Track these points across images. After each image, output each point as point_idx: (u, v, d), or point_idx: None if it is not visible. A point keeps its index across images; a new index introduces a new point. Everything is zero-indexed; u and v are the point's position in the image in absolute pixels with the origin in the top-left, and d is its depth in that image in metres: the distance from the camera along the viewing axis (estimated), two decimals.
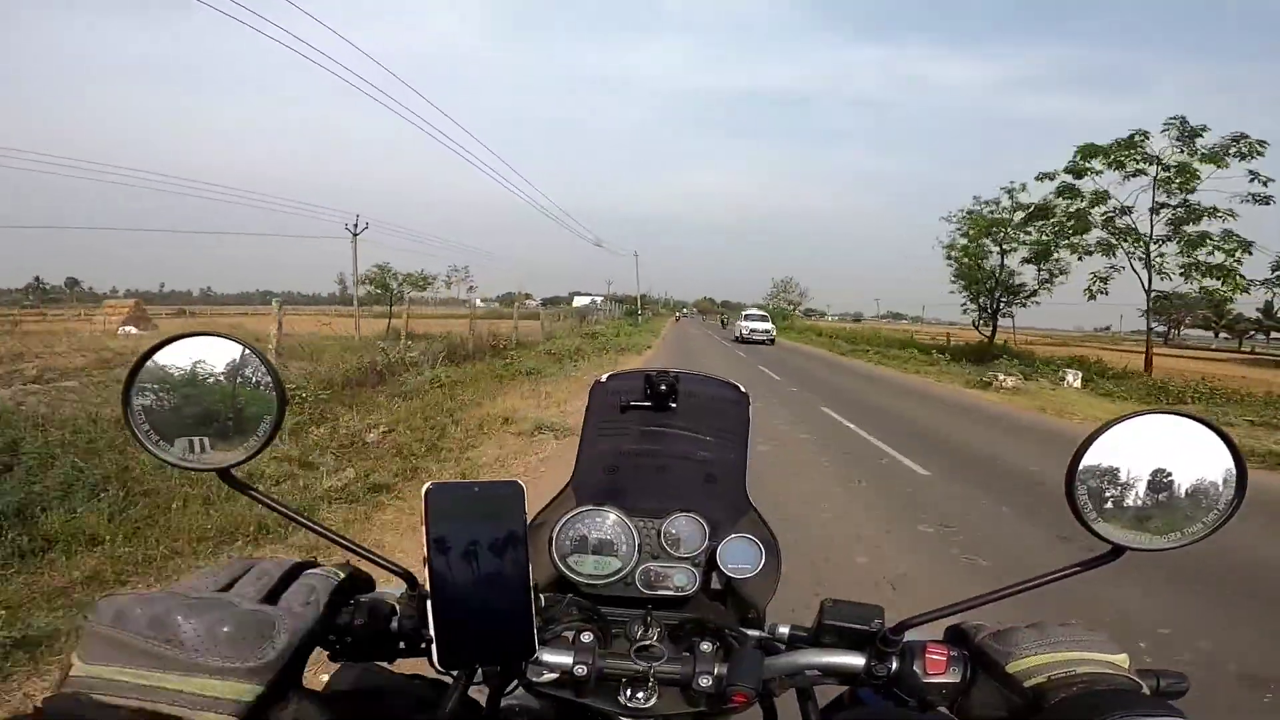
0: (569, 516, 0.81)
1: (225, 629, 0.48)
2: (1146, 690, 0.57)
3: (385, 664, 0.70)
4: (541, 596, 0.74)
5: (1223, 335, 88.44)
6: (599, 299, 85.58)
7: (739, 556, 0.79)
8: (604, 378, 0.94)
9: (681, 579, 0.79)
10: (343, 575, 0.65)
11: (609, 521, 0.80)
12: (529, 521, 0.72)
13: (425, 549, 0.56)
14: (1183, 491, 0.59)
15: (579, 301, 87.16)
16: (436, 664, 0.57)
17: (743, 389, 0.93)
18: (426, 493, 0.56)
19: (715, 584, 0.84)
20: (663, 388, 0.88)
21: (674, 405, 0.89)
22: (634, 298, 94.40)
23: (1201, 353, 53.47)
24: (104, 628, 0.46)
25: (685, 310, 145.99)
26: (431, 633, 0.56)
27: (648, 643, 0.71)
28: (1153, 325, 18.85)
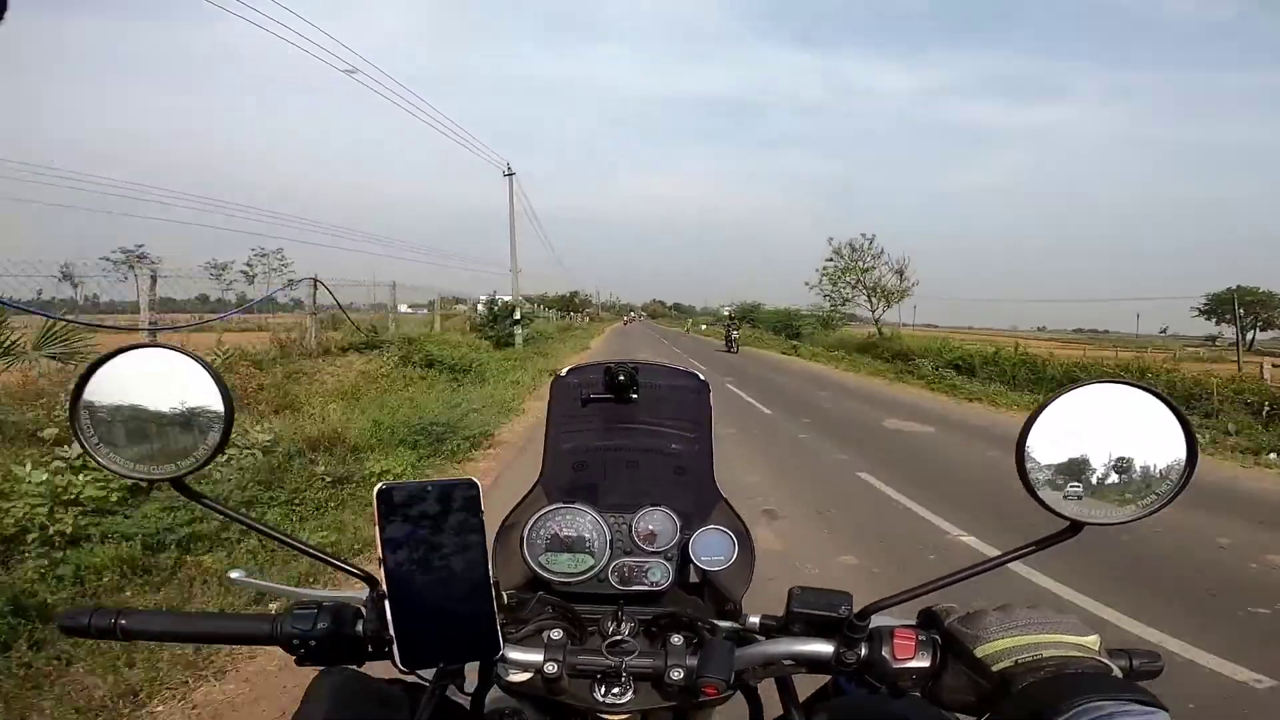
0: (540, 515, 0.81)
1: None
2: (1118, 672, 0.57)
3: (356, 667, 0.70)
4: (505, 595, 0.74)
5: None
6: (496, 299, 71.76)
7: (712, 548, 0.79)
8: (564, 371, 0.93)
9: (655, 574, 0.79)
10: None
11: (580, 519, 0.80)
12: (501, 521, 0.71)
13: (379, 550, 0.55)
14: (1136, 463, 0.58)
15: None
16: (399, 664, 0.57)
17: (702, 377, 0.93)
18: (378, 493, 0.56)
19: (692, 577, 0.83)
20: (622, 379, 0.88)
21: (635, 397, 0.89)
22: (574, 298, 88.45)
23: None
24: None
25: (633, 313, 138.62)
26: (392, 633, 0.56)
27: (619, 638, 0.71)
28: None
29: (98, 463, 0.60)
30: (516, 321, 19.12)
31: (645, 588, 0.79)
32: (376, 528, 0.56)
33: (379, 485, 0.56)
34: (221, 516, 0.66)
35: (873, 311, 26.87)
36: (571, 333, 36.97)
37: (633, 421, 0.90)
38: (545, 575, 0.79)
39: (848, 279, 27.98)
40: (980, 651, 0.59)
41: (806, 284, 29.01)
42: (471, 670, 0.71)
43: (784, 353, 25.63)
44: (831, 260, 28.59)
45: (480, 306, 22.19)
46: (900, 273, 27.04)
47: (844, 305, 28.44)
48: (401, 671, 0.59)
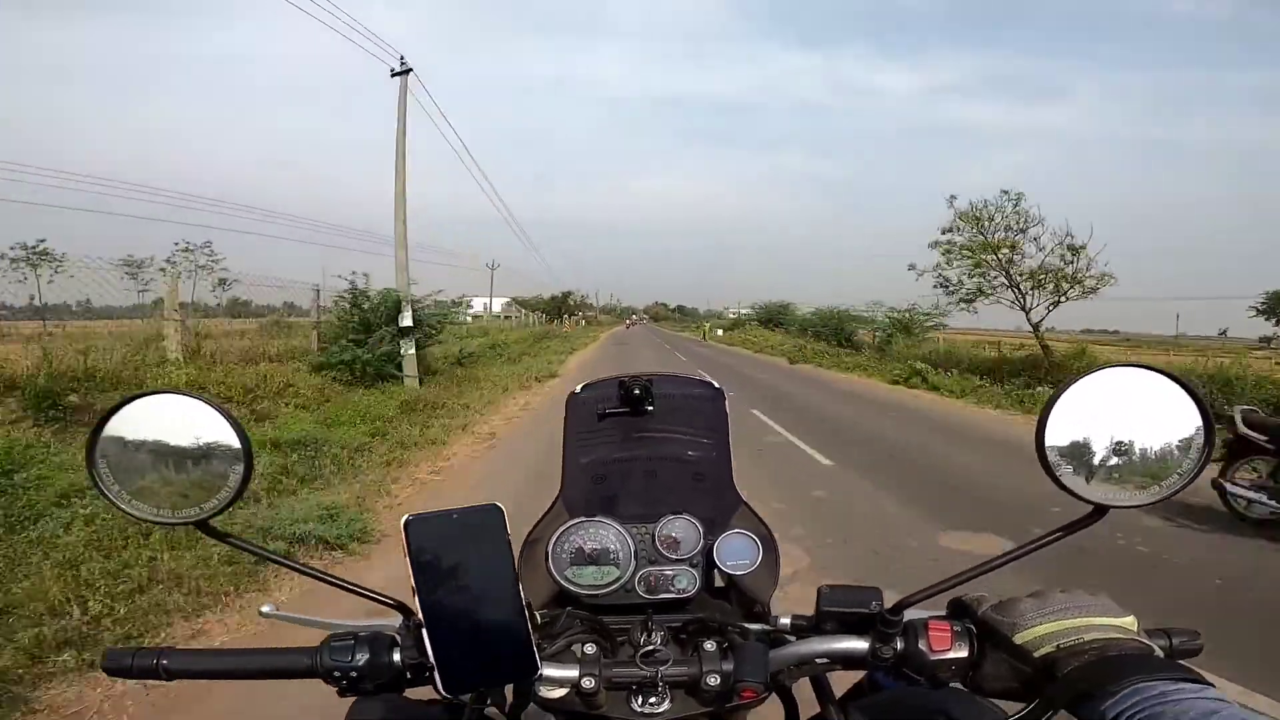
0: (563, 530, 0.81)
1: None
2: (1159, 652, 0.56)
3: (396, 693, 0.70)
4: (538, 614, 0.74)
5: None
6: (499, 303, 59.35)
7: (736, 552, 0.79)
8: (579, 389, 0.93)
9: (682, 581, 0.80)
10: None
11: (603, 531, 0.80)
12: (524, 538, 0.70)
13: (413, 580, 0.57)
14: (1154, 445, 0.58)
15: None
16: (442, 691, 0.58)
17: (716, 385, 0.94)
18: (405, 524, 0.57)
19: (718, 582, 0.84)
20: (637, 392, 0.88)
21: (651, 409, 0.90)
22: (566, 299, 75.72)
23: None
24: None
25: (635, 316, 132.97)
26: (433, 661, 0.57)
27: (652, 648, 0.71)
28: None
29: (122, 511, 0.61)
30: (405, 332, 10.37)
31: (673, 595, 0.80)
32: (407, 558, 0.57)
33: (406, 517, 0.58)
34: (251, 554, 0.66)
35: (1025, 310, 14.53)
36: (546, 345, 24.83)
37: (648, 431, 0.90)
38: (573, 589, 0.79)
39: (986, 258, 14.55)
40: (1019, 638, 0.59)
41: (912, 268, 15.86)
42: (507, 688, 0.71)
43: (893, 382, 14.63)
44: (950, 233, 14.95)
45: (330, 302, 11.34)
46: (1074, 250, 13.77)
47: (974, 300, 15.48)
48: (443, 697, 0.60)
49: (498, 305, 60.85)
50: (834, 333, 27.45)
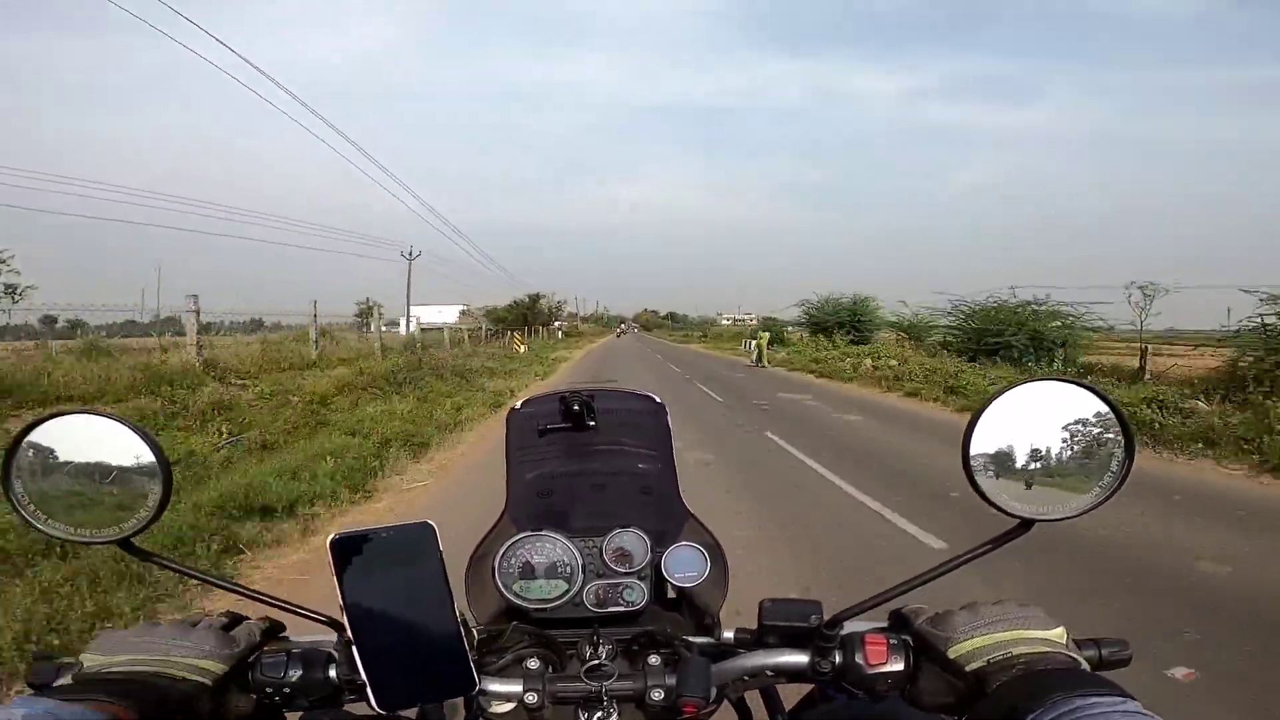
0: (509, 544, 0.80)
1: (205, 632, 0.63)
2: (1086, 665, 0.58)
3: (336, 709, 0.69)
4: (475, 630, 0.73)
5: None
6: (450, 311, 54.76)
7: (684, 565, 0.79)
8: (518, 404, 0.93)
9: (631, 594, 0.80)
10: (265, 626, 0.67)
11: (550, 545, 0.80)
12: (471, 554, 0.69)
13: (340, 598, 0.56)
14: (1076, 457, 0.60)
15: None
16: (375, 707, 0.57)
17: (657, 399, 0.94)
18: (331, 543, 0.57)
19: (670, 594, 0.84)
20: (577, 408, 0.88)
21: (593, 424, 0.89)
22: (535, 304, 59.62)
23: None
24: (102, 637, 0.61)
25: (625, 325, 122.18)
26: (364, 678, 0.57)
27: (597, 662, 0.71)
28: None
29: (39, 530, 0.60)
30: None
31: (622, 608, 0.79)
32: (334, 577, 0.56)
33: (332, 535, 0.57)
34: (176, 573, 0.65)
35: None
36: (504, 366, 18.11)
37: (594, 445, 0.90)
38: (520, 603, 0.79)
39: None
40: (952, 652, 0.60)
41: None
42: (455, 705, 0.71)
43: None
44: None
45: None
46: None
47: None
48: (378, 714, 0.59)
49: (452, 315, 54.80)
50: (974, 343, 17.55)
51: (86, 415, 0.63)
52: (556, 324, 67.42)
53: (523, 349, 29.28)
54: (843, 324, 27.21)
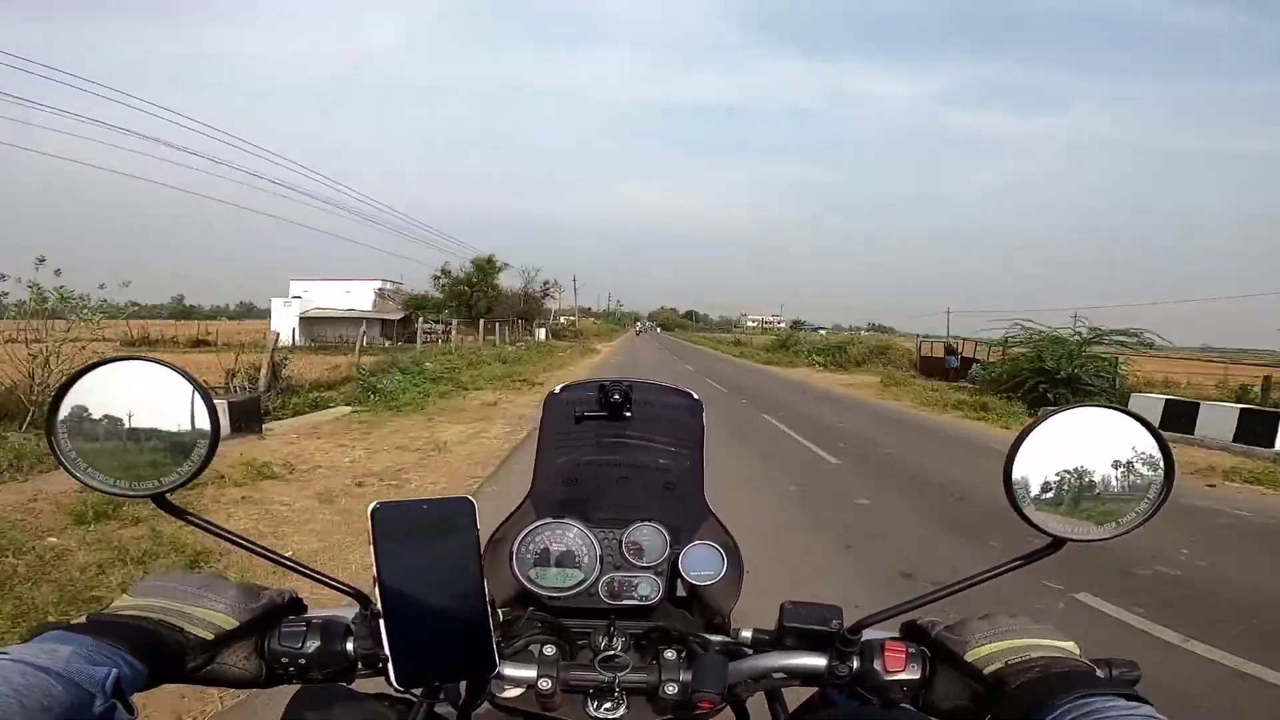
0: (529, 530, 0.81)
1: (229, 590, 0.64)
2: (1100, 673, 0.59)
3: (345, 684, 0.69)
4: (500, 612, 0.73)
5: None
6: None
7: (701, 563, 0.80)
8: (558, 389, 0.93)
9: (645, 588, 0.80)
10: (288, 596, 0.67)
11: (570, 533, 0.80)
12: (489, 536, 0.70)
13: (375, 569, 0.56)
14: (1115, 482, 0.62)
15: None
16: (394, 683, 0.57)
17: (695, 396, 0.94)
18: (372, 512, 0.56)
19: (680, 591, 0.84)
20: (616, 398, 0.88)
21: (629, 415, 0.90)
22: (526, 292, 41.54)
23: None
24: (143, 582, 0.64)
25: (641, 323, 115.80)
26: (387, 652, 0.56)
27: (612, 653, 0.72)
28: None
29: (77, 478, 0.59)
30: None
31: (634, 602, 0.80)
32: (371, 546, 0.56)
33: (373, 504, 0.57)
34: (208, 532, 0.64)
35: None
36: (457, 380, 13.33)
37: (624, 437, 0.90)
38: (534, 590, 0.79)
39: None
40: (970, 656, 0.61)
41: None
42: (462, 685, 0.70)
43: None
44: None
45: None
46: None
47: None
48: (395, 690, 0.59)
49: (365, 296, 36.55)
50: None
51: (142, 363, 0.61)
52: (539, 322, 46.18)
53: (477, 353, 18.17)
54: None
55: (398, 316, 35.43)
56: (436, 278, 39.33)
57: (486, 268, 38.38)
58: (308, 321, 34.59)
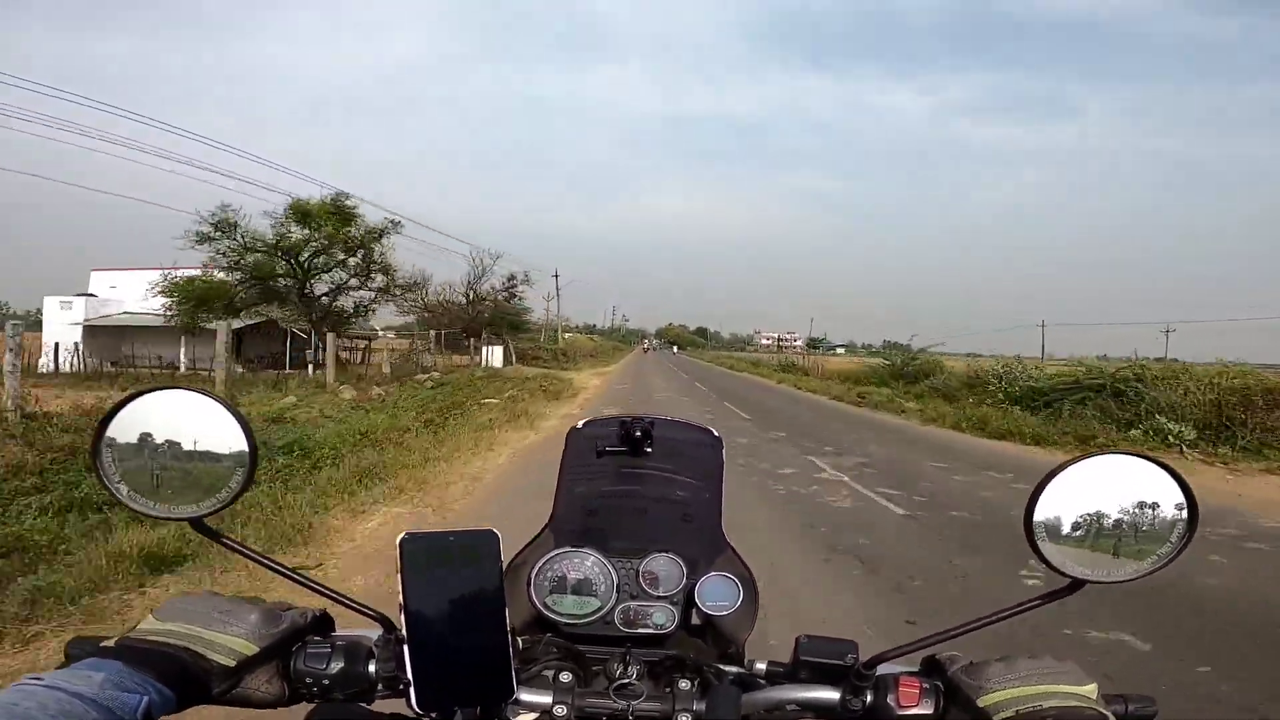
0: (548, 557, 0.82)
1: (250, 614, 0.64)
2: (1112, 718, 0.59)
3: (365, 704, 0.70)
4: (519, 639, 0.74)
5: None
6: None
7: (717, 594, 0.80)
8: (580, 424, 0.96)
9: (660, 617, 0.81)
10: (314, 615, 0.68)
11: (588, 562, 0.82)
12: (508, 562, 0.71)
13: (402, 596, 0.58)
14: (1137, 526, 0.62)
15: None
16: (415, 707, 0.58)
17: (715, 433, 0.96)
18: (401, 542, 0.58)
19: (695, 620, 0.85)
20: (638, 433, 0.90)
21: (649, 450, 0.91)
22: (512, 290, 30.85)
23: None
24: (168, 603, 0.64)
25: (649, 341, 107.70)
26: (409, 676, 0.58)
27: (626, 681, 0.72)
28: None
29: (119, 500, 0.62)
30: None
31: (650, 630, 0.81)
32: (400, 574, 0.58)
33: (402, 535, 0.59)
34: (242, 556, 0.67)
35: None
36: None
37: (645, 469, 0.92)
38: (551, 616, 0.80)
39: None
40: (983, 701, 0.61)
41: None
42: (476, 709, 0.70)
43: None
44: None
45: None
46: None
47: None
48: (414, 713, 0.60)
49: None
50: None
51: (185, 392, 0.64)
52: (488, 338, 29.96)
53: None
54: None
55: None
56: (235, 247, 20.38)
57: (324, 217, 20.11)
58: (101, 332, 22.32)
